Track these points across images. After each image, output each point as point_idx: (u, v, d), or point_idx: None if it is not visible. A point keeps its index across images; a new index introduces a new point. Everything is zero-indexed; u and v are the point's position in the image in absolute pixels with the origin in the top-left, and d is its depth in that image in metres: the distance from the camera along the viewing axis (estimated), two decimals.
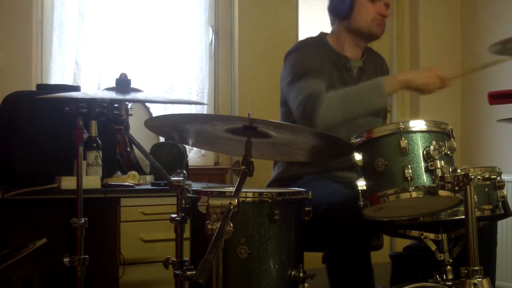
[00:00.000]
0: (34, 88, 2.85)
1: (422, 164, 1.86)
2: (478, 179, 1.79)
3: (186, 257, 2.06)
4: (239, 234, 1.83)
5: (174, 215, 2.08)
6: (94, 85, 3.44)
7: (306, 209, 1.96)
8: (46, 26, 3.36)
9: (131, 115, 2.21)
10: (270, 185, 2.64)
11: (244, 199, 1.85)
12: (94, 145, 2.54)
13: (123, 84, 2.15)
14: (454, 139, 1.91)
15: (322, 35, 2.74)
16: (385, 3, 2.64)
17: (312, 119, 2.36)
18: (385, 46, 4.25)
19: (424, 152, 1.86)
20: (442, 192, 1.82)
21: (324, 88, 2.45)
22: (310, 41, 2.68)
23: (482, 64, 2.39)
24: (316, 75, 2.49)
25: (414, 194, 1.84)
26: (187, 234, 2.06)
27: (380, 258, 2.91)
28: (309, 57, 2.57)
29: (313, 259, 2.28)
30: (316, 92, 2.41)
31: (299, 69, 2.53)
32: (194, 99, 3.71)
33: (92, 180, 2.52)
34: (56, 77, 3.34)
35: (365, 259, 2.25)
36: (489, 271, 2.07)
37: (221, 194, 1.89)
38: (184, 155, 3.05)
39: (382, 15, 2.61)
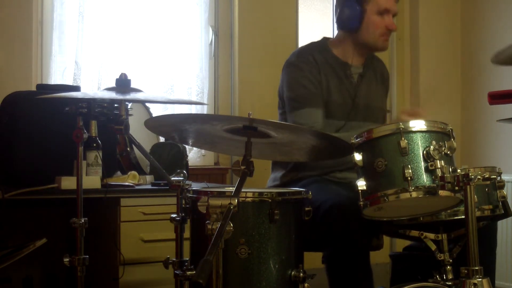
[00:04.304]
0: (34, 88, 2.85)
1: (422, 164, 1.86)
2: (478, 179, 1.79)
3: (186, 257, 2.06)
4: (239, 234, 1.83)
5: (174, 215, 2.08)
6: (94, 85, 3.44)
7: (306, 209, 1.96)
8: (46, 26, 3.35)
9: (131, 115, 2.22)
10: None
11: (244, 199, 1.85)
12: (94, 145, 2.54)
13: (123, 84, 2.15)
14: (454, 139, 1.91)
15: (325, 40, 2.73)
16: (393, 14, 2.63)
17: None
18: None
19: (424, 152, 1.86)
20: (442, 192, 1.82)
21: (320, 117, 2.53)
22: (308, 50, 2.68)
23: None
24: (312, 103, 2.54)
25: (414, 194, 1.84)
26: (187, 234, 2.06)
27: (380, 258, 2.91)
28: (306, 77, 2.57)
29: (313, 259, 2.28)
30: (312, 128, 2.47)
31: (296, 96, 2.57)
32: (194, 99, 3.70)
33: (92, 180, 2.52)
34: (56, 77, 3.33)
35: (365, 260, 2.26)
36: (489, 271, 2.07)
37: (221, 194, 1.89)
38: (184, 155, 3.05)
39: (390, 29, 2.61)
